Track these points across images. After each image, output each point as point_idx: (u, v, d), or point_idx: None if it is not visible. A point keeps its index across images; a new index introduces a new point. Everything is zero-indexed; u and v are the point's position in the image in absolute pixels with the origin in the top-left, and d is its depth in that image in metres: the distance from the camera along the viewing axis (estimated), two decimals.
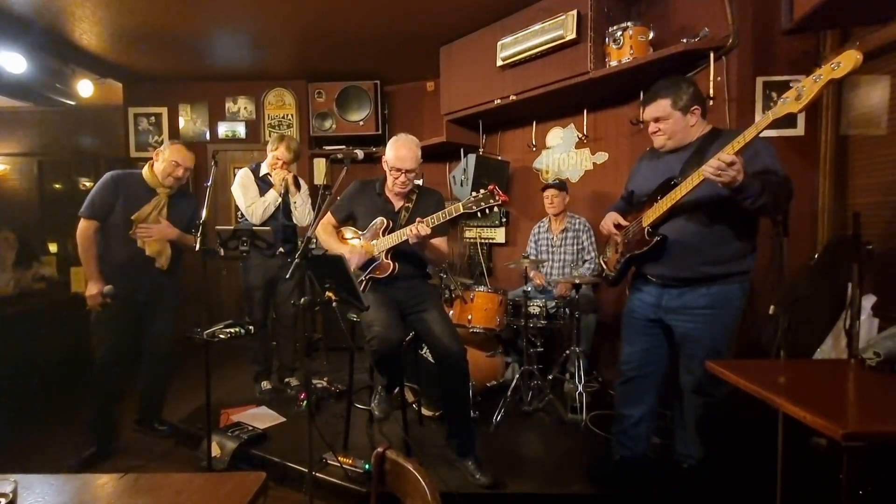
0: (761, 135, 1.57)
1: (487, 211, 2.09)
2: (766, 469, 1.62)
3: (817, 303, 2.17)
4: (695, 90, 1.91)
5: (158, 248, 2.66)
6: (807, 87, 1.43)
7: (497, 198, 2.08)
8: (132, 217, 2.58)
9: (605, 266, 2.26)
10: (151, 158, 2.70)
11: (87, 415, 2.64)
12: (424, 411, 2.87)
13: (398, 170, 2.26)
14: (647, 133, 2.04)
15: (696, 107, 1.89)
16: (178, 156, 2.64)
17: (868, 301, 1.96)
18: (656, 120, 1.94)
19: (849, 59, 1.34)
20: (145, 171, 2.67)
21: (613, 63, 2.91)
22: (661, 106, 1.91)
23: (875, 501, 1.17)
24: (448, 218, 2.14)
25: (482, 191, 2.10)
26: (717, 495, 1.97)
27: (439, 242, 2.34)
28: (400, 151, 2.26)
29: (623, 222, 2.09)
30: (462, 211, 2.11)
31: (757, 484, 1.74)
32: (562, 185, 3.38)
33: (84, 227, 2.54)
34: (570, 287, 3.07)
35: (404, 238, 2.20)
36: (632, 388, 2.14)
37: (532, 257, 3.45)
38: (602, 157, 3.59)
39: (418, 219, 2.14)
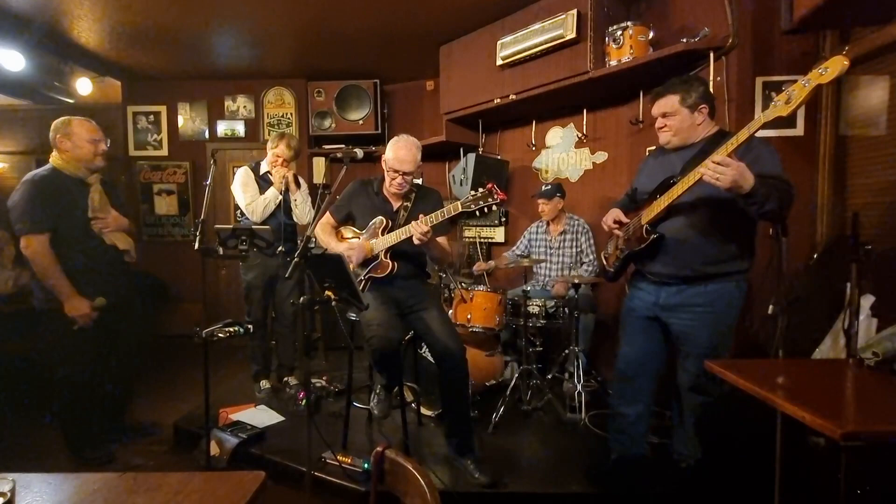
0: (763, 135, 1.58)
1: (486, 209, 2.08)
2: (765, 468, 1.62)
3: (816, 303, 2.18)
4: (705, 89, 1.92)
5: (127, 241, 2.52)
6: (796, 92, 1.47)
7: (495, 196, 2.07)
8: (90, 213, 2.40)
9: (605, 262, 2.28)
10: (55, 155, 2.41)
11: (66, 430, 2.53)
12: (423, 411, 2.87)
13: (396, 171, 2.26)
14: (653, 130, 2.04)
15: (703, 105, 1.90)
16: (90, 132, 2.44)
17: (867, 301, 1.96)
18: (664, 115, 1.95)
19: (835, 65, 1.39)
20: (57, 163, 2.41)
21: (613, 63, 2.91)
22: (671, 102, 1.92)
23: (873, 501, 1.17)
24: (447, 217, 2.14)
25: (480, 189, 2.09)
26: (715, 495, 1.96)
27: (441, 241, 2.34)
28: (399, 153, 2.25)
29: (624, 219, 2.10)
30: (460, 210, 2.11)
31: (755, 483, 1.74)
32: (551, 193, 3.33)
33: (40, 243, 2.29)
34: (568, 286, 3.07)
35: (403, 237, 2.19)
36: (629, 387, 2.14)
37: (517, 254, 3.48)
38: (602, 156, 3.59)
39: (421, 215, 2.14)
